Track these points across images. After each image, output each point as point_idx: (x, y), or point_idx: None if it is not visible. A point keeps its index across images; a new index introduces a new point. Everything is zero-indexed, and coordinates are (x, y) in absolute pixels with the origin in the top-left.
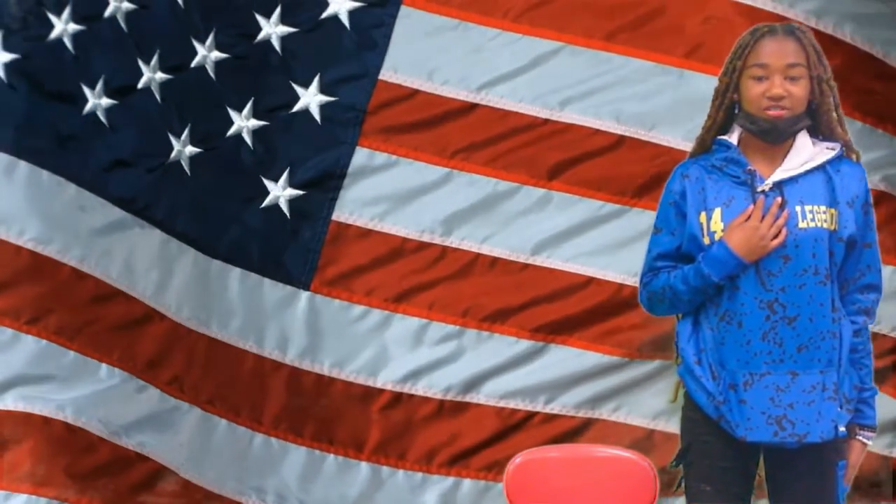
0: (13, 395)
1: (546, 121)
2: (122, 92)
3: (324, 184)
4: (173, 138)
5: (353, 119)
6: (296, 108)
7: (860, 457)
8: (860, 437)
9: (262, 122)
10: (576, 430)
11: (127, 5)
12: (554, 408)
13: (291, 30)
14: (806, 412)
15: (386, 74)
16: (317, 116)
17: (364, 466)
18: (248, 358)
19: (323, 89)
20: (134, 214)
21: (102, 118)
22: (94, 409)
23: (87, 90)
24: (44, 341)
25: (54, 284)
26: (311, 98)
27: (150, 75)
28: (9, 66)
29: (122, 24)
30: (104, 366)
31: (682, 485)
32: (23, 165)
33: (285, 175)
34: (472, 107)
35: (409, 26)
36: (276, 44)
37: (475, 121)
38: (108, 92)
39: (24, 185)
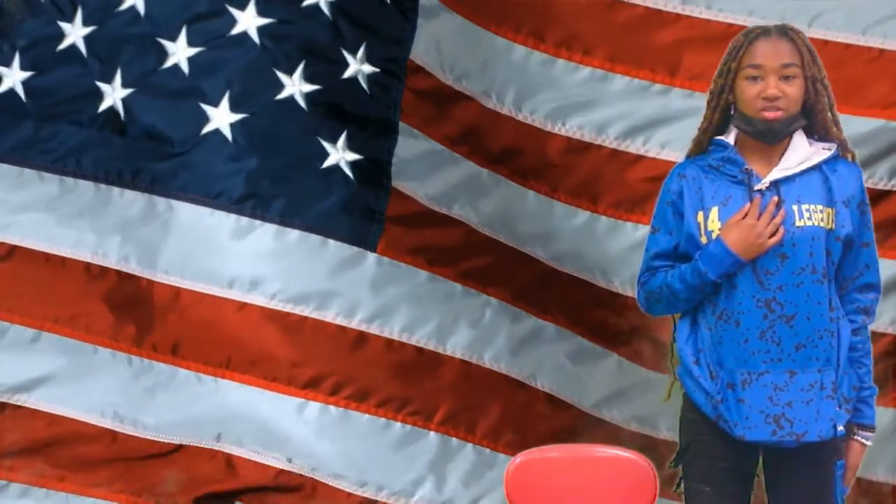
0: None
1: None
2: (143, 75)
3: (380, 148)
4: (208, 107)
5: (396, 92)
6: (346, 75)
7: (859, 458)
8: (858, 438)
9: (314, 87)
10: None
11: None
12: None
13: None
14: (804, 411)
15: (414, 54)
16: (364, 86)
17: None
18: (307, 323)
19: (369, 59)
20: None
21: (121, 111)
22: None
23: (103, 86)
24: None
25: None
26: (359, 66)
27: (177, 54)
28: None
29: (141, 10)
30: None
31: (682, 485)
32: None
33: (343, 138)
34: (475, 102)
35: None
36: (324, 8)
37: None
38: (126, 81)
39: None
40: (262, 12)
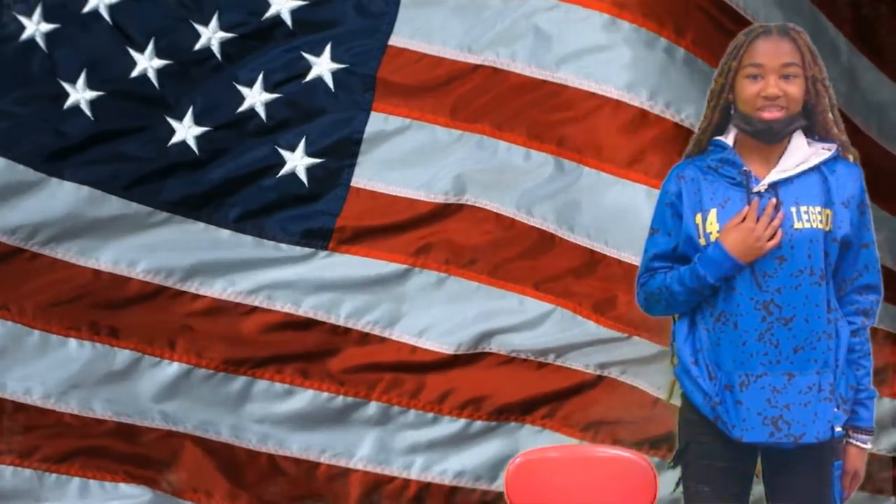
0: None
1: (544, 82)
2: (108, 82)
3: (341, 150)
4: (173, 121)
5: (366, 84)
6: (309, 78)
7: (857, 461)
8: (853, 441)
9: (274, 95)
10: (589, 384)
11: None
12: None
13: (300, 3)
14: (802, 413)
15: (395, 39)
16: (330, 84)
17: (373, 405)
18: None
19: (334, 57)
20: (140, 202)
21: (87, 111)
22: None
23: (67, 86)
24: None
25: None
26: (323, 66)
27: (147, 64)
28: None
29: (106, 17)
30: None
31: (681, 485)
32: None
33: (302, 144)
34: (476, 68)
35: None
36: (286, 17)
37: (480, 82)
38: (92, 84)
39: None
40: (223, 26)
